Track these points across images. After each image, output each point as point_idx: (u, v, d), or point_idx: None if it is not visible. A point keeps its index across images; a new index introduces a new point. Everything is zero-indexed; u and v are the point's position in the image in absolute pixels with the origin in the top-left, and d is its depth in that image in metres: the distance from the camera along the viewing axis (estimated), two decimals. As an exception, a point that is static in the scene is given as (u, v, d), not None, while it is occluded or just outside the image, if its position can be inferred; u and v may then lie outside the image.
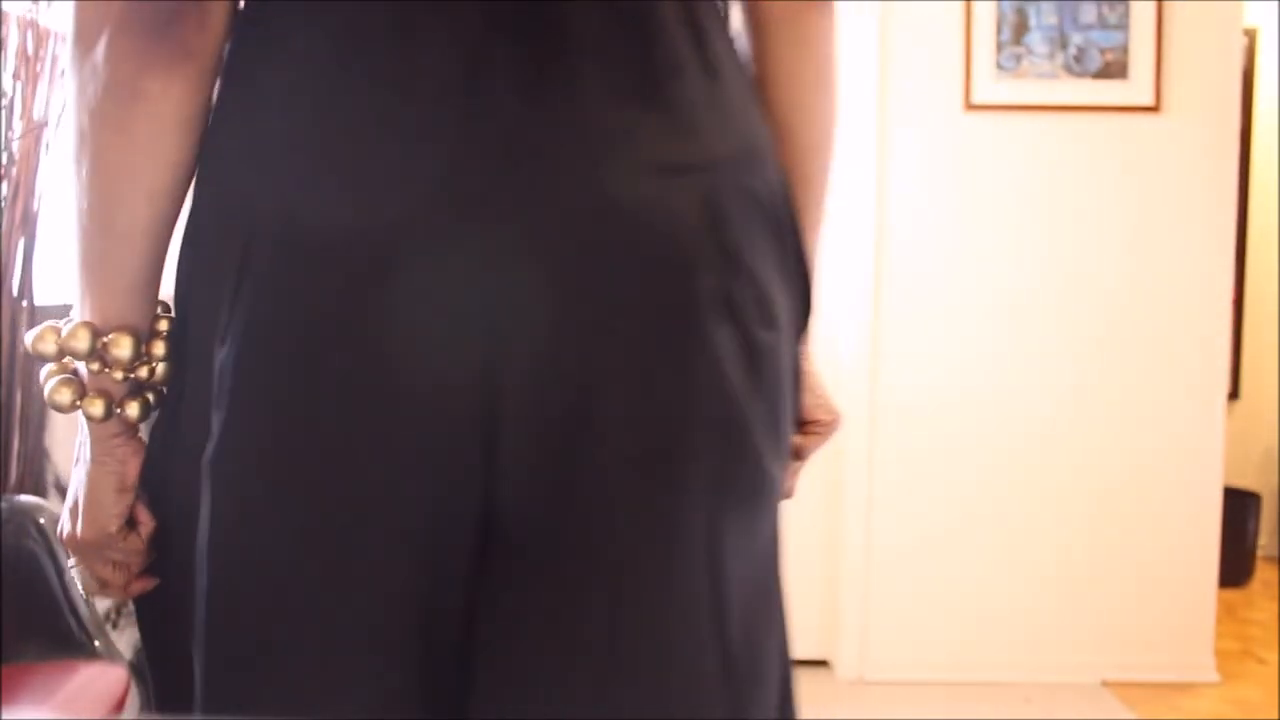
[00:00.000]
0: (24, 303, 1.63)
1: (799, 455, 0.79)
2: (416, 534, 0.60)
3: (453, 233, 0.58)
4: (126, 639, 1.85)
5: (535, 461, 0.59)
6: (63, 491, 1.75)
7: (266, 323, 0.58)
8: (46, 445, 1.68)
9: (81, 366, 0.63)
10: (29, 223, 1.62)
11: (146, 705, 1.55)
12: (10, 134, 1.59)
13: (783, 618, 0.72)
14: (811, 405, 0.78)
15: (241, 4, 0.62)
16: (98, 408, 0.62)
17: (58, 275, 1.72)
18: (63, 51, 1.53)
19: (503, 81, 0.59)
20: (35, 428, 1.66)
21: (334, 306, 0.58)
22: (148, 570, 0.68)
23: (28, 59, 1.60)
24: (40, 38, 1.62)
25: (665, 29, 0.62)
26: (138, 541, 0.65)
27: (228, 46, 0.62)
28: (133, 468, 0.64)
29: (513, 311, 0.58)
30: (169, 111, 0.60)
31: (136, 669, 1.68)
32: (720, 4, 0.69)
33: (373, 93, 0.59)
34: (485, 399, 0.58)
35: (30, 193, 1.63)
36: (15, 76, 1.60)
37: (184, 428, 0.63)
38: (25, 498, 1.60)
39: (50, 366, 0.64)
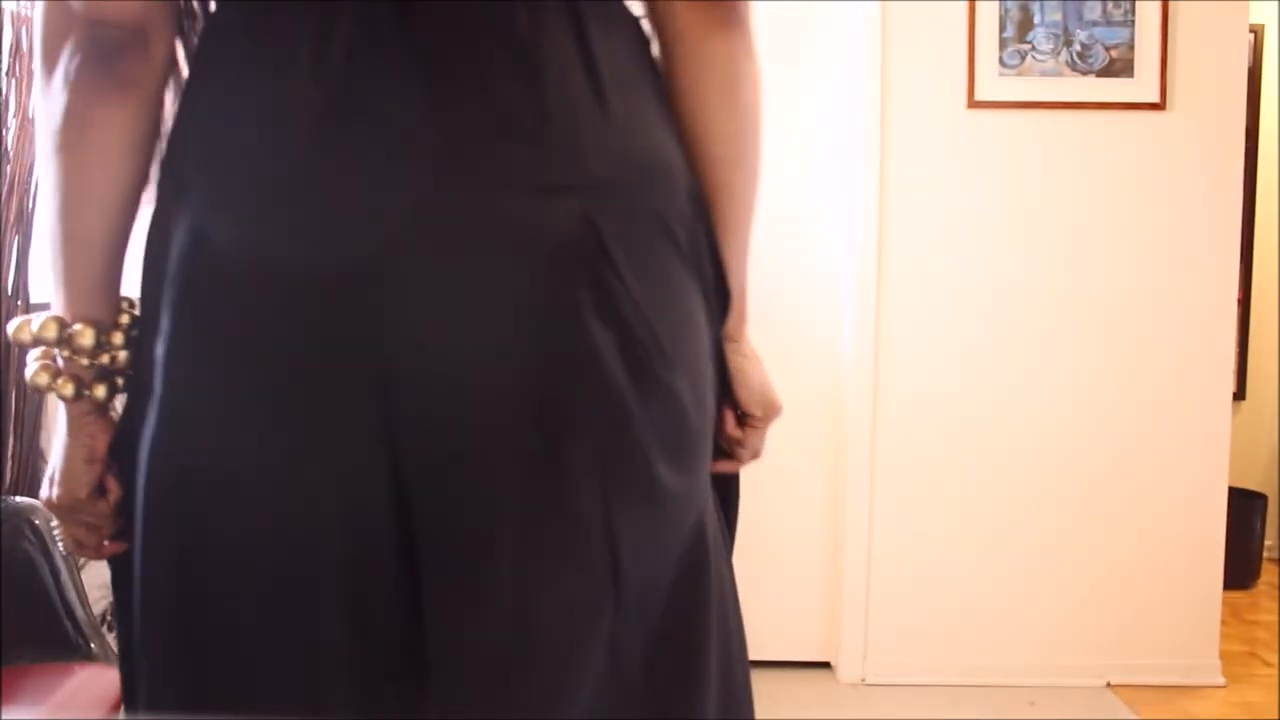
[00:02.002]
0: (19, 301, 1.62)
1: (741, 444, 0.83)
2: (326, 510, 0.66)
3: (349, 246, 0.64)
4: (122, 641, 1.84)
5: (432, 451, 0.65)
6: (58, 492, 1.74)
7: (184, 324, 0.66)
8: (41, 446, 1.67)
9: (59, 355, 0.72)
10: (24, 220, 1.61)
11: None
12: (5, 130, 1.58)
13: (710, 615, 0.75)
14: (745, 399, 0.81)
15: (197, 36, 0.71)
16: (69, 389, 0.71)
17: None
18: (35, 49, 1.52)
19: (405, 112, 0.65)
20: (30, 429, 1.65)
21: (238, 315, 0.65)
22: (119, 536, 0.75)
23: (22, 55, 1.58)
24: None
25: (555, 62, 0.67)
26: (105, 507, 0.74)
27: (187, 73, 0.71)
28: (101, 442, 0.73)
29: (406, 324, 0.64)
30: (115, 135, 0.68)
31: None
32: (627, 25, 0.73)
33: (267, 121, 0.65)
34: (380, 395, 0.64)
35: (25, 190, 1.62)
36: (9, 74, 1.59)
37: (140, 409, 0.71)
38: (20, 499, 1.59)
39: (36, 353, 0.72)
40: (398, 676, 0.70)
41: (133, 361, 0.73)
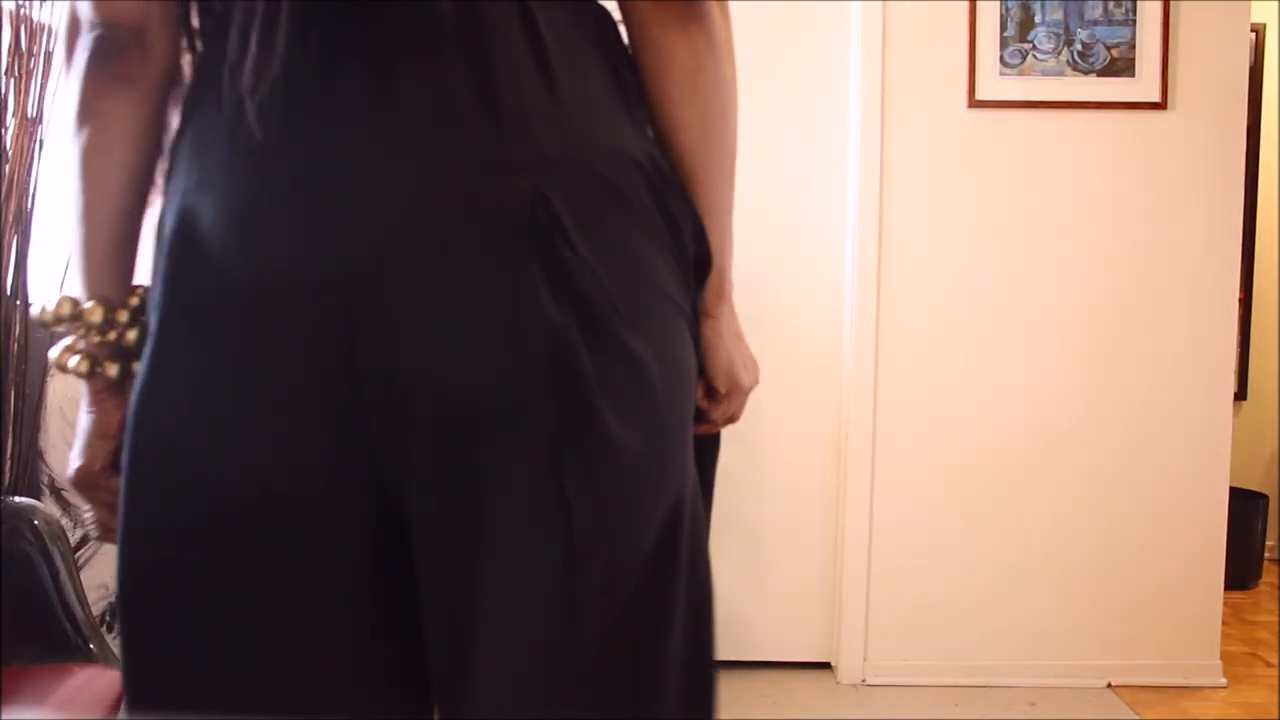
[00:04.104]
0: (17, 301, 1.62)
1: (708, 414, 0.87)
2: (297, 484, 0.69)
3: (307, 235, 0.67)
4: (121, 642, 1.83)
5: (397, 429, 0.68)
6: (56, 493, 1.74)
7: (169, 296, 0.70)
8: (40, 447, 1.67)
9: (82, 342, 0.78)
10: (22, 220, 1.61)
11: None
12: (4, 130, 1.57)
13: (675, 601, 0.75)
14: (711, 374, 0.85)
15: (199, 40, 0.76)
16: (84, 366, 0.77)
17: (52, 273, 1.70)
18: (57, 48, 1.53)
19: (353, 101, 0.68)
20: (28, 430, 1.65)
21: (215, 292, 0.69)
22: None
23: (20, 55, 1.58)
24: (34, 33, 1.61)
25: (502, 48, 0.70)
26: (119, 483, 0.75)
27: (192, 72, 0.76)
28: (114, 419, 0.78)
29: (370, 305, 0.67)
30: (117, 126, 0.74)
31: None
32: (584, 13, 0.76)
33: (226, 114, 0.70)
34: (351, 375, 0.68)
35: (24, 190, 1.61)
36: (9, 73, 1.58)
37: None
38: (20, 499, 1.59)
39: (66, 341, 0.78)
40: (383, 651, 0.74)
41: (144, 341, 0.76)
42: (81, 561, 1.76)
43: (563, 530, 0.69)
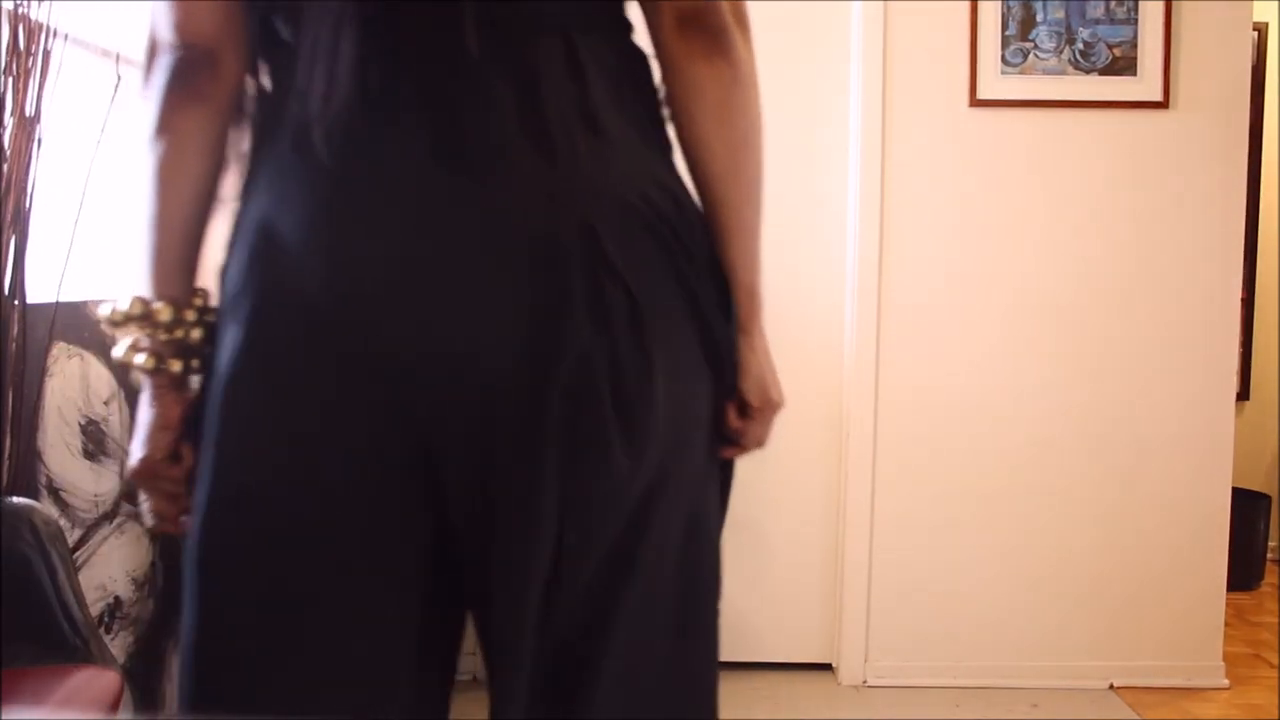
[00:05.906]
0: (15, 301, 1.61)
1: (741, 434, 0.90)
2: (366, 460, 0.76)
3: (368, 261, 0.74)
4: (119, 643, 1.83)
5: (439, 428, 0.76)
6: (54, 494, 1.73)
7: (250, 307, 0.77)
8: (38, 447, 1.66)
9: (144, 339, 0.83)
10: (20, 220, 1.60)
11: (139, 709, 1.54)
12: (2, 129, 1.57)
13: (663, 618, 0.82)
14: (744, 388, 0.88)
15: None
16: (150, 363, 0.82)
17: (48, 273, 1.70)
18: (55, 47, 1.53)
19: (413, 134, 0.74)
20: (26, 430, 1.64)
21: (283, 303, 0.76)
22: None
23: (18, 54, 1.58)
24: (31, 33, 1.60)
25: (551, 89, 0.76)
26: (179, 472, 0.83)
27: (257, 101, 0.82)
28: (175, 412, 0.83)
29: (426, 325, 0.74)
30: (188, 140, 0.81)
31: (130, 673, 1.66)
32: (623, 53, 0.82)
33: (294, 142, 0.77)
34: (403, 379, 0.74)
35: (22, 190, 1.61)
36: (7, 72, 1.58)
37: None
38: (19, 500, 1.58)
39: (128, 339, 0.83)
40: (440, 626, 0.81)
41: (208, 340, 0.83)
42: (80, 562, 1.75)
43: (556, 541, 0.75)
